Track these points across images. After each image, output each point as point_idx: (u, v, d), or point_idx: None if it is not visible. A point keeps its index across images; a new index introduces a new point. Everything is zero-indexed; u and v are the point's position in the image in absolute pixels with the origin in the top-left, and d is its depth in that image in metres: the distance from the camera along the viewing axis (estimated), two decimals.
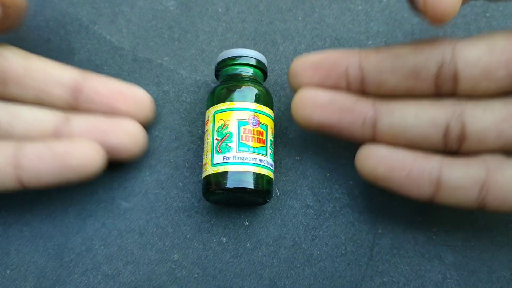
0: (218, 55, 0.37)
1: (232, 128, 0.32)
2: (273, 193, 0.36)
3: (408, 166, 0.30)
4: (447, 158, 0.31)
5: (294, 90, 0.33)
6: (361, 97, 0.32)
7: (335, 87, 0.32)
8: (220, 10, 0.41)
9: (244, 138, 0.32)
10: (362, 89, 0.32)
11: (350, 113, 0.31)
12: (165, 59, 0.40)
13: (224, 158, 0.32)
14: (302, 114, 0.32)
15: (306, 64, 0.32)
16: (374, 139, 0.32)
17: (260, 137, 0.33)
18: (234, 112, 0.33)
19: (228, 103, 0.33)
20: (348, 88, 0.32)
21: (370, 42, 0.40)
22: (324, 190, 0.36)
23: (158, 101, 0.38)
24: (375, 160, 0.31)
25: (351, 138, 0.32)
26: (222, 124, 0.33)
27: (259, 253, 0.34)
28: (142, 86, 0.39)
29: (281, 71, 0.39)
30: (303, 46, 0.40)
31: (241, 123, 0.32)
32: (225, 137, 0.32)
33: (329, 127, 0.32)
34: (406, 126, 0.31)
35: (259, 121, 0.33)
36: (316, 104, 0.32)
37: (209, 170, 0.32)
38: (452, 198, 0.30)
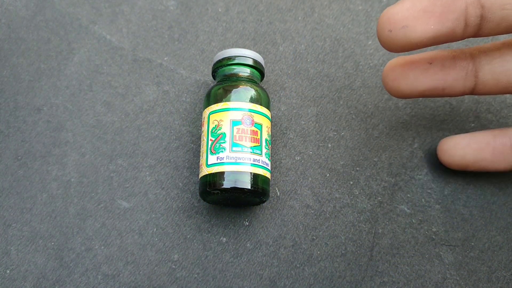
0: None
1: (225, 128, 0.32)
2: (273, 193, 0.36)
3: (491, 144, 0.32)
4: None
5: (402, 45, 0.28)
6: (456, 52, 0.32)
7: (451, 32, 0.28)
8: (220, 10, 0.41)
9: (237, 138, 0.32)
10: (479, 29, 0.29)
11: (452, 70, 0.31)
12: (165, 59, 0.40)
13: (218, 159, 0.32)
14: (403, 82, 0.31)
15: (415, 9, 0.27)
16: (474, 91, 0.32)
17: (254, 136, 0.33)
18: (228, 112, 0.33)
19: (223, 103, 0.33)
20: (465, 30, 0.28)
21: (370, 42, 0.40)
22: (324, 190, 0.36)
23: (158, 101, 0.38)
24: (462, 149, 0.33)
25: (452, 94, 0.32)
26: (216, 125, 0.33)
27: (259, 253, 0.34)
28: (142, 86, 0.39)
29: (281, 71, 0.39)
30: (303, 46, 0.40)
31: (235, 123, 0.32)
32: (219, 137, 0.32)
33: (433, 89, 0.32)
34: (509, 70, 0.30)
35: (253, 120, 0.33)
36: (417, 69, 0.31)
37: (204, 171, 0.32)
38: None
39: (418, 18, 0.27)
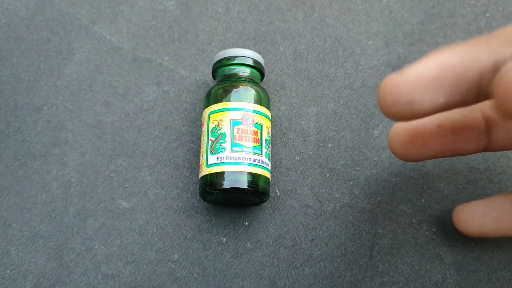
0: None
1: (225, 128, 0.32)
2: (273, 193, 0.36)
3: (510, 211, 0.30)
4: None
5: (407, 118, 0.24)
6: (466, 111, 0.29)
7: (462, 102, 0.24)
8: (220, 10, 0.41)
9: (237, 138, 0.32)
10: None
11: (463, 132, 0.29)
12: (165, 59, 0.40)
13: (218, 159, 0.32)
14: (412, 150, 0.29)
15: (423, 82, 0.23)
16: (488, 148, 0.30)
17: (254, 136, 0.33)
18: (228, 113, 0.33)
19: (223, 103, 0.33)
20: (478, 99, 0.24)
21: (370, 42, 0.40)
22: (324, 190, 0.36)
23: (158, 101, 0.38)
24: (480, 218, 0.30)
25: (464, 154, 0.30)
26: (216, 125, 0.33)
27: (259, 253, 0.34)
28: (142, 86, 0.39)
29: (281, 71, 0.39)
30: (303, 46, 0.40)
31: (235, 123, 0.32)
32: (219, 137, 0.32)
33: (444, 151, 0.30)
34: None
35: (253, 120, 0.33)
36: (425, 133, 0.28)
37: (204, 171, 0.32)
38: None
39: (425, 91, 0.23)
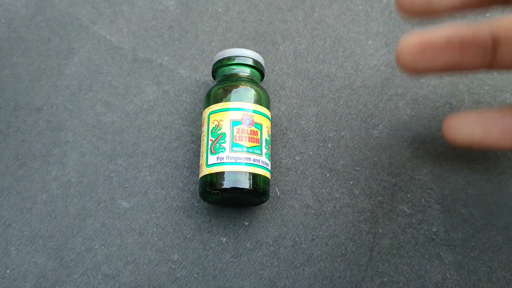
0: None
1: (225, 128, 0.32)
2: (273, 193, 0.36)
3: (500, 123, 0.31)
4: None
5: (423, 12, 0.27)
6: (475, 28, 0.30)
7: (477, 2, 0.27)
8: (220, 10, 0.41)
9: (237, 138, 0.32)
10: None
11: (471, 48, 0.30)
12: (165, 59, 0.40)
13: (218, 159, 0.32)
14: (420, 61, 0.30)
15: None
16: (490, 67, 0.31)
17: (254, 136, 0.33)
18: (228, 113, 0.33)
19: (223, 103, 0.33)
20: (490, 2, 0.27)
21: (370, 42, 0.40)
22: (324, 190, 0.36)
23: (158, 101, 0.38)
24: (470, 126, 0.31)
25: (468, 70, 0.31)
26: (216, 125, 0.33)
27: (259, 253, 0.34)
28: (142, 86, 0.39)
29: (281, 71, 0.39)
30: (303, 46, 0.40)
31: (235, 123, 0.32)
32: (219, 137, 0.32)
33: (451, 65, 0.30)
34: None
35: (253, 120, 0.33)
36: (436, 46, 0.29)
37: (204, 171, 0.32)
38: None
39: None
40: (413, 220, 0.35)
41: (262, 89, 0.35)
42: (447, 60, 0.30)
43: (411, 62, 0.30)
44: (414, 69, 0.31)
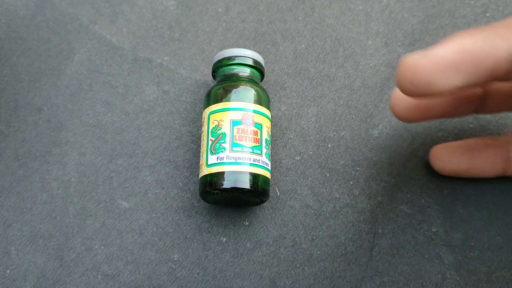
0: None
1: (225, 128, 0.32)
2: (273, 193, 0.36)
3: (483, 153, 0.34)
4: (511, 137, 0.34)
5: (421, 96, 0.26)
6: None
7: (474, 86, 0.27)
8: (220, 10, 0.41)
9: (237, 138, 0.32)
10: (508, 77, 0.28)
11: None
12: (165, 59, 0.40)
13: (218, 159, 0.32)
14: (415, 115, 0.32)
15: (444, 65, 0.24)
16: (480, 111, 0.33)
17: (254, 136, 0.33)
18: (228, 113, 0.33)
19: (223, 103, 0.33)
20: (489, 83, 0.28)
21: (370, 42, 0.40)
22: (324, 190, 0.36)
23: (158, 101, 0.38)
24: (456, 157, 0.34)
25: (461, 116, 0.34)
26: (216, 125, 0.33)
27: (259, 253, 0.34)
28: (142, 86, 0.39)
29: (281, 71, 0.39)
30: (303, 46, 0.40)
31: (235, 123, 0.32)
32: (219, 137, 0.32)
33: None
34: None
35: (253, 120, 0.33)
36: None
37: (204, 171, 0.32)
38: None
39: (445, 75, 0.24)
40: (413, 220, 0.35)
41: (262, 89, 0.35)
42: (442, 111, 0.32)
43: (406, 114, 0.32)
44: (408, 120, 0.33)
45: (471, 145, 0.34)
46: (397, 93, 0.32)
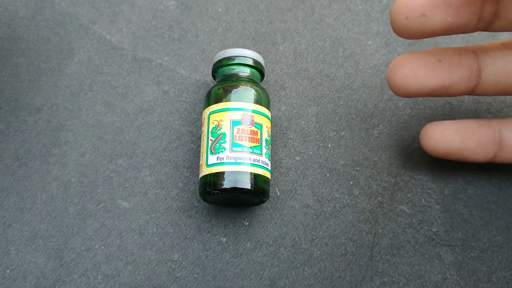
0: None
1: (225, 128, 0.32)
2: (273, 193, 0.36)
3: (477, 134, 0.32)
4: (504, 120, 0.33)
5: (416, 34, 0.29)
6: (461, 50, 0.32)
7: (465, 25, 0.29)
8: (220, 10, 0.41)
9: (237, 138, 0.32)
10: (490, 25, 0.30)
11: (459, 69, 0.31)
12: (165, 59, 0.40)
13: (218, 159, 0.32)
14: (412, 82, 0.31)
15: (435, 1, 0.27)
16: (474, 91, 0.32)
17: (254, 136, 0.33)
18: (228, 113, 0.33)
19: (223, 103, 0.33)
20: (477, 25, 0.29)
21: (370, 42, 0.40)
22: (324, 190, 0.36)
23: (158, 101, 0.38)
24: (449, 136, 0.32)
25: (455, 94, 0.32)
26: (216, 125, 0.33)
27: (259, 253, 0.34)
28: (142, 86, 0.39)
29: (281, 71, 0.39)
30: (303, 46, 0.40)
31: (235, 123, 0.32)
32: (219, 137, 0.32)
33: (440, 87, 0.31)
34: (510, 71, 0.31)
35: (253, 120, 0.33)
36: (427, 66, 0.31)
37: (204, 171, 0.32)
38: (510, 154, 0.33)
39: (437, 8, 0.27)
40: (413, 220, 0.35)
41: (262, 89, 0.35)
42: (438, 80, 0.31)
43: (402, 83, 0.31)
44: (405, 90, 0.31)
45: (465, 124, 0.33)
46: (395, 62, 0.31)
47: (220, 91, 0.34)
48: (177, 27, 0.41)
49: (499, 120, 0.33)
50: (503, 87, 0.31)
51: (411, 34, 0.28)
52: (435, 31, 0.28)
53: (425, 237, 0.35)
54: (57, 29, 0.40)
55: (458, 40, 0.40)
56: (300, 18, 0.41)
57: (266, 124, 0.34)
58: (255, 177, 0.32)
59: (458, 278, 0.34)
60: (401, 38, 0.40)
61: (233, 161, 0.32)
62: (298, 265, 0.34)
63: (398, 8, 0.28)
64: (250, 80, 0.35)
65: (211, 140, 0.33)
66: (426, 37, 0.29)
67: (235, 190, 0.32)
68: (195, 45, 0.40)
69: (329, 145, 0.37)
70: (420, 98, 0.38)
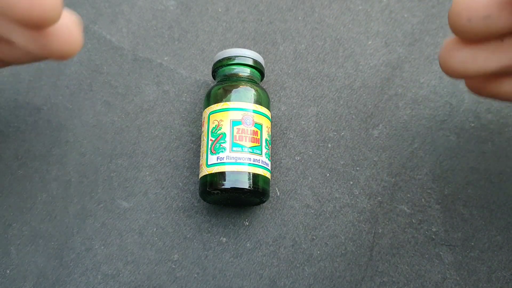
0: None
1: (225, 128, 0.32)
2: (273, 193, 0.36)
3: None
4: None
5: (481, 36, 0.25)
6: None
7: None
8: (220, 10, 0.41)
9: (237, 138, 0.32)
10: None
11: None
12: (165, 59, 0.40)
13: (218, 159, 0.32)
14: (473, 64, 0.27)
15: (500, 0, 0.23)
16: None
17: (254, 136, 0.33)
18: (228, 112, 0.33)
19: (223, 103, 0.33)
20: None
21: (370, 42, 0.40)
22: (324, 190, 0.36)
23: (158, 101, 0.38)
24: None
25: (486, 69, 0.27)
26: (216, 125, 0.33)
27: (259, 253, 0.34)
28: (142, 86, 0.39)
29: (281, 71, 0.39)
30: (303, 46, 0.40)
31: (235, 123, 0.32)
32: (219, 137, 0.32)
33: (503, 67, 0.27)
34: None
35: (253, 120, 0.33)
36: (488, 48, 0.26)
37: (204, 171, 0.32)
38: None
39: (503, 8, 0.23)
40: (413, 220, 0.35)
41: (262, 89, 0.35)
42: (500, 61, 0.27)
43: (461, 67, 0.27)
44: (463, 74, 0.27)
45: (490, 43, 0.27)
46: (450, 46, 0.27)
47: (220, 91, 0.34)
48: (177, 27, 0.41)
49: None
50: None
51: (474, 36, 0.25)
52: (501, 32, 0.25)
53: (425, 237, 0.35)
54: None
55: None
56: (300, 18, 0.41)
57: (266, 124, 0.34)
58: (255, 177, 0.32)
59: (458, 278, 0.34)
60: (402, 38, 0.40)
61: (233, 161, 0.32)
62: (298, 265, 0.34)
63: (459, 10, 0.24)
64: (250, 80, 0.35)
65: (211, 140, 0.33)
66: (491, 39, 0.25)
67: (235, 190, 0.32)
68: (195, 45, 0.40)
69: (329, 145, 0.37)
70: (420, 99, 0.38)
